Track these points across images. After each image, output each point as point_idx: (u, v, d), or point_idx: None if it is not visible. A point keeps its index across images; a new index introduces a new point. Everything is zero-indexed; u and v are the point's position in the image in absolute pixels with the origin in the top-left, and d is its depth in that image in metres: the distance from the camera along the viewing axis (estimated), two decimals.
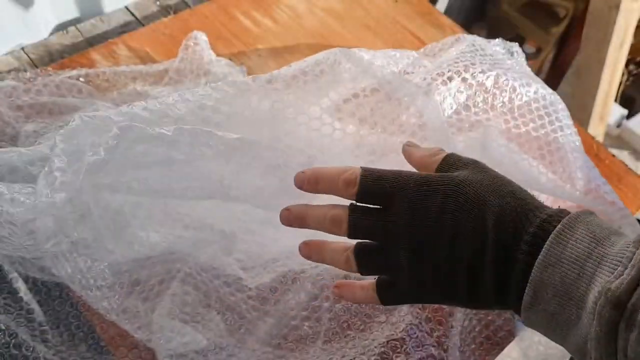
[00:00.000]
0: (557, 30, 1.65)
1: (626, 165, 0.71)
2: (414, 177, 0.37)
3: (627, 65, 1.67)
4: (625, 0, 1.30)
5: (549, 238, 0.34)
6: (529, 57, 1.70)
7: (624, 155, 1.65)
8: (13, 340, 0.47)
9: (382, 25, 0.81)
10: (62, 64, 0.69)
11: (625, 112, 1.68)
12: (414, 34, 0.81)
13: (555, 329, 0.35)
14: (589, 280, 0.33)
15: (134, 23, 0.78)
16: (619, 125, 1.69)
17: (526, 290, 0.35)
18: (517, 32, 1.71)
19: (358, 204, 0.38)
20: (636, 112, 1.71)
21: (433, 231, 0.36)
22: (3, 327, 0.48)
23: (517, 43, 0.68)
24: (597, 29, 1.37)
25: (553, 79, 1.70)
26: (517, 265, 0.35)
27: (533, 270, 0.34)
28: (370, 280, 0.39)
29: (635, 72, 1.74)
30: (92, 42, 0.75)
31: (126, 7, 0.79)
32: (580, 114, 1.45)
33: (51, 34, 0.76)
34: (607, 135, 1.67)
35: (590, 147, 0.71)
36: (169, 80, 0.66)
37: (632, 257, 0.32)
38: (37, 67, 0.70)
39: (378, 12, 0.83)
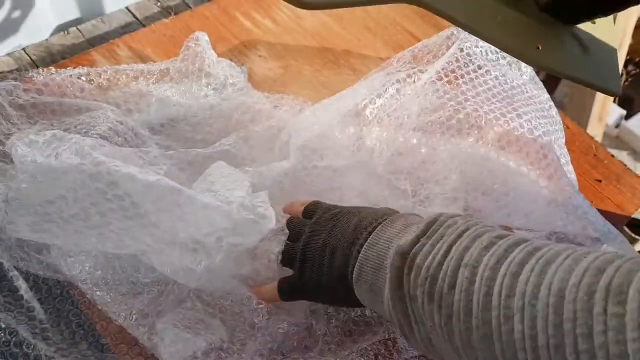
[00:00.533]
0: None
1: (625, 165, 0.72)
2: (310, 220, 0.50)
3: (625, 65, 1.68)
4: None
5: (377, 228, 0.44)
6: None
7: (622, 156, 1.66)
8: (14, 339, 0.48)
9: (382, 26, 0.82)
10: (63, 64, 0.69)
11: (623, 112, 1.69)
12: (413, 35, 0.81)
13: (373, 299, 0.43)
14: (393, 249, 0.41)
15: (134, 24, 0.78)
16: (617, 125, 1.69)
17: (355, 267, 0.44)
18: None
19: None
20: (635, 113, 1.71)
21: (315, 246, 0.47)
22: (3, 326, 0.48)
23: None
24: None
25: (552, 80, 1.70)
26: (355, 251, 0.44)
27: (361, 250, 0.44)
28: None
29: (634, 72, 1.75)
30: (93, 42, 0.75)
31: (127, 8, 0.80)
32: (579, 114, 1.45)
33: (52, 34, 0.76)
34: (606, 135, 1.68)
35: (589, 147, 0.72)
36: (170, 80, 0.66)
37: (423, 223, 0.41)
38: (38, 67, 0.70)
39: (378, 13, 0.84)
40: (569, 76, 0.51)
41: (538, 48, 0.48)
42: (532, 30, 0.49)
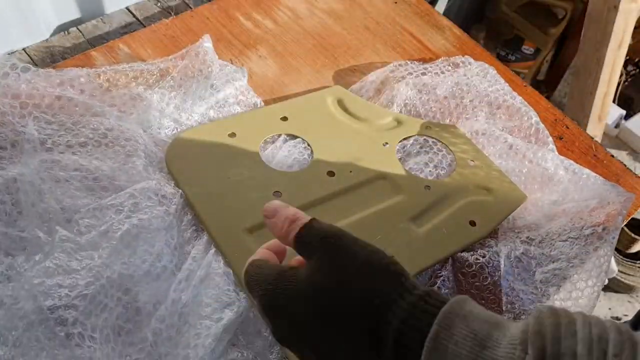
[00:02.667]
0: (556, 31, 1.66)
1: (624, 166, 0.72)
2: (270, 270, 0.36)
3: (625, 65, 1.68)
4: (624, 1, 1.30)
5: (426, 343, 0.30)
6: (527, 58, 1.72)
7: (622, 156, 1.66)
8: None
9: (382, 27, 0.82)
10: (63, 64, 0.69)
11: (623, 112, 1.69)
12: (413, 35, 0.81)
13: None
14: None
15: (135, 24, 0.78)
16: (617, 125, 1.69)
17: None
18: (516, 33, 1.72)
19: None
20: (634, 113, 1.71)
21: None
22: None
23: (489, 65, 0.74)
24: (596, 29, 1.37)
25: (552, 80, 1.71)
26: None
27: None
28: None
29: (633, 72, 1.75)
30: (94, 42, 0.75)
31: (127, 8, 0.80)
32: (579, 115, 1.46)
33: (52, 34, 0.77)
34: (606, 135, 1.68)
35: (589, 147, 0.72)
36: (172, 81, 0.66)
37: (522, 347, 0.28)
38: (38, 67, 0.70)
39: (378, 13, 0.84)
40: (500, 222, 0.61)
41: (472, 224, 0.59)
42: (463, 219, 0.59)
